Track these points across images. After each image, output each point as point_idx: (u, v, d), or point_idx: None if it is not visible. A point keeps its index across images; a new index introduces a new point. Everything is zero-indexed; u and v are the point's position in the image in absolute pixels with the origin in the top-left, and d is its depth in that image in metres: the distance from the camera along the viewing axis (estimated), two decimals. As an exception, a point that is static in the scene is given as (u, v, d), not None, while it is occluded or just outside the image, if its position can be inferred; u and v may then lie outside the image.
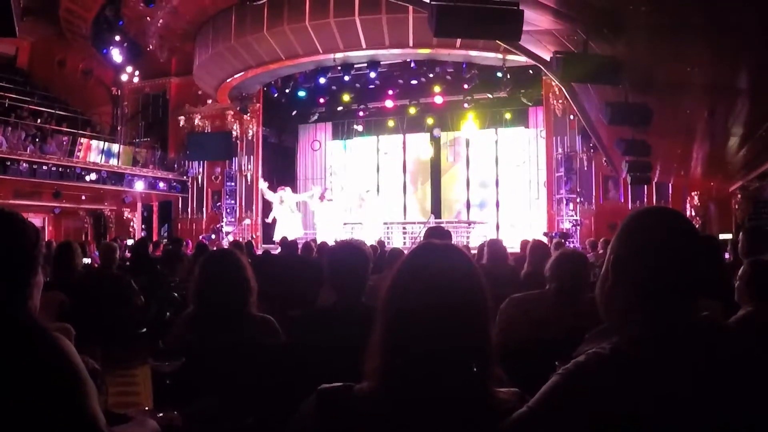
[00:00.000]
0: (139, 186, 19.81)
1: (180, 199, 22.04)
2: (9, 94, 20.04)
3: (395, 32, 14.73)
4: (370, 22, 14.62)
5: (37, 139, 17.81)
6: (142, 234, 20.82)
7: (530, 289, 3.61)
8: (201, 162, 21.98)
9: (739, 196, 15.65)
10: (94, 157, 18.84)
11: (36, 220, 17.84)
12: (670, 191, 17.00)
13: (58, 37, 20.85)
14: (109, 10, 17.46)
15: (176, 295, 6.58)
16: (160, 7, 17.17)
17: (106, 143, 19.81)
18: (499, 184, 20.84)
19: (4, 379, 1.45)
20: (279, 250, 10.31)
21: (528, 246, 5.87)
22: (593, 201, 17.79)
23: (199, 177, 21.96)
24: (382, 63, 17.17)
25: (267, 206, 19.63)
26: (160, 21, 18.13)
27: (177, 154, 22.06)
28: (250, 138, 21.29)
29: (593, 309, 1.57)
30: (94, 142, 19.23)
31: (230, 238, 18.87)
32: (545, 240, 13.62)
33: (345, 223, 18.60)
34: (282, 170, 21.96)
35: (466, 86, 18.22)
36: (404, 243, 17.27)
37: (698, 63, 6.39)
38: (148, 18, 18.01)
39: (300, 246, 9.29)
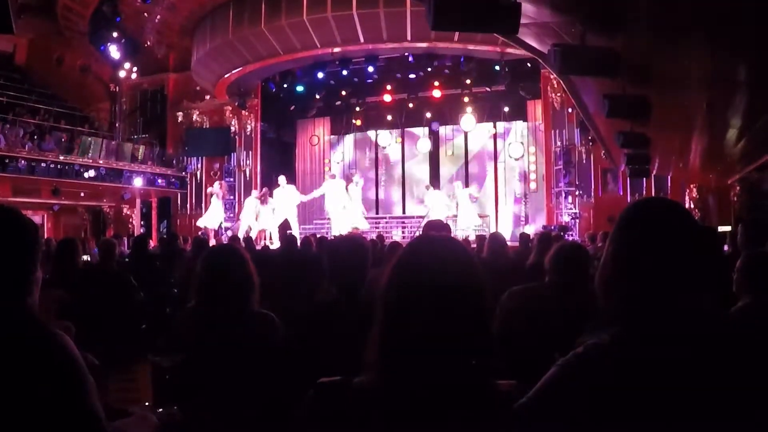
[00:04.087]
0: (138, 182, 19.80)
1: (179, 195, 22.04)
2: (7, 92, 20.02)
3: (393, 26, 14.73)
4: (368, 16, 14.61)
5: (36, 137, 17.80)
6: (141, 230, 20.83)
7: (537, 279, 3.61)
8: (199, 158, 21.97)
9: (738, 188, 15.66)
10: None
11: (35, 218, 17.84)
12: (669, 184, 16.99)
13: (56, 34, 20.80)
14: (107, 7, 17.47)
15: (176, 291, 6.59)
16: (158, 3, 17.18)
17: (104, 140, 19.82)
18: (497, 177, 20.82)
19: (4, 375, 1.45)
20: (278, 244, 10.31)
21: (536, 237, 5.88)
22: (592, 194, 17.80)
23: (198, 173, 21.95)
24: (380, 57, 17.15)
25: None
26: (158, 17, 18.12)
27: (175, 150, 22.06)
28: (248, 133, 21.27)
29: (593, 301, 1.57)
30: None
31: (229, 233, 18.84)
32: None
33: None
34: (281, 165, 21.89)
35: (464, 80, 18.20)
36: (403, 237, 17.25)
37: (697, 55, 6.38)
38: (145, 14, 18.01)
39: (300, 240, 9.29)
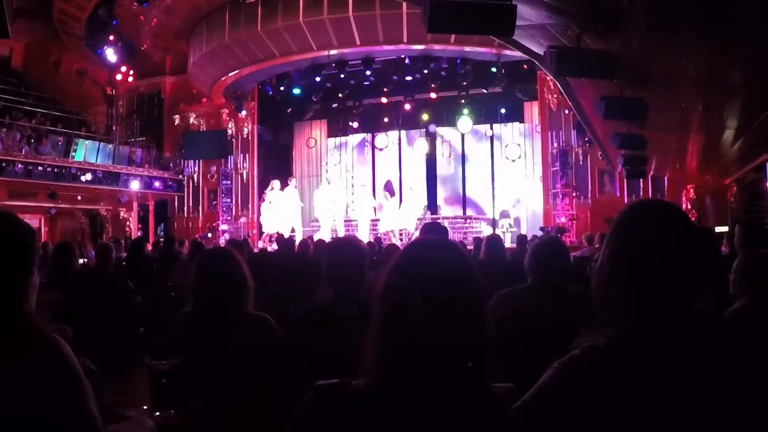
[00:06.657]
0: (135, 185, 19.73)
1: (176, 198, 21.99)
2: (3, 95, 19.98)
3: (389, 28, 14.75)
4: (364, 19, 14.63)
5: (32, 140, 17.75)
6: (139, 234, 20.79)
7: None
8: (197, 161, 21.92)
9: (735, 188, 15.68)
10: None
11: (32, 221, 17.81)
12: (666, 184, 17.04)
13: (52, 38, 20.75)
14: (103, 10, 17.42)
15: (173, 294, 6.59)
16: (154, 6, 17.13)
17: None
18: (494, 179, 20.84)
19: (1, 380, 1.45)
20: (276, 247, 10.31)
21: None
22: (589, 195, 17.81)
23: (195, 176, 21.89)
24: (376, 60, 17.16)
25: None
26: (154, 20, 18.08)
27: (172, 153, 22.00)
28: (245, 136, 21.24)
29: (575, 299, 1.58)
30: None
31: (227, 236, 18.82)
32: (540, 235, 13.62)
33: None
34: (278, 168, 21.90)
35: (460, 82, 18.24)
36: (401, 239, 17.25)
37: (692, 57, 6.40)
38: (141, 17, 17.98)
39: (297, 243, 9.29)
